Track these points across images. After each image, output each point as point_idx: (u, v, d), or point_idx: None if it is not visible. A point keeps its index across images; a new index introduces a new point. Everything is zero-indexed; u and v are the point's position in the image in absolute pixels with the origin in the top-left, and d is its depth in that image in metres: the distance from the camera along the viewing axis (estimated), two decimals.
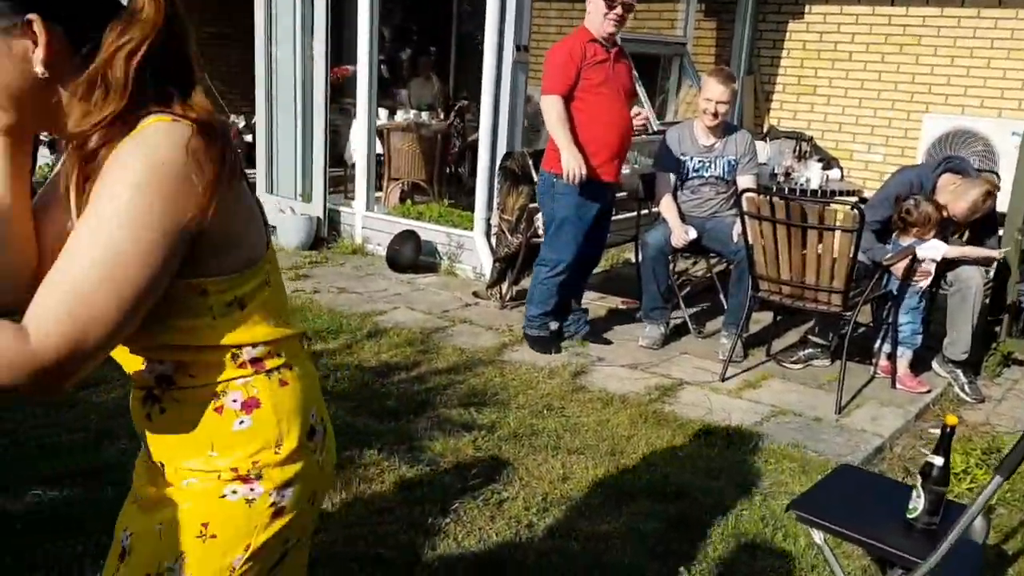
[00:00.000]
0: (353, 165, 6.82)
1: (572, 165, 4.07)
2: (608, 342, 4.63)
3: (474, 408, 3.62)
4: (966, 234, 4.42)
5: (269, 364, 1.16)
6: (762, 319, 4.87)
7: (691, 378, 4.21)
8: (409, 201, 7.00)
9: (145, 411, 1.17)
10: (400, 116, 8.05)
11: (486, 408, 3.64)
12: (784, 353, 4.52)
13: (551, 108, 4.15)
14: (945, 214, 4.12)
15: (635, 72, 6.46)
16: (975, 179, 4.21)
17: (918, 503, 2.11)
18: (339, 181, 7.34)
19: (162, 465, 1.18)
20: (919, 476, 2.12)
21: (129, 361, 1.16)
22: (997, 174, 5.38)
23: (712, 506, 2.95)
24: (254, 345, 1.14)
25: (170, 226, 0.99)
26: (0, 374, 0.91)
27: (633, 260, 5.31)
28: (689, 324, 4.88)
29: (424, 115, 8.03)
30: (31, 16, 1.00)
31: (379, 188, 7.02)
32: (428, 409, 3.58)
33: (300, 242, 6.22)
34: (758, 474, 3.23)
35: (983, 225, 4.33)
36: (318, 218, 6.39)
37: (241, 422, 1.14)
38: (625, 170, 6.67)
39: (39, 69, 1.02)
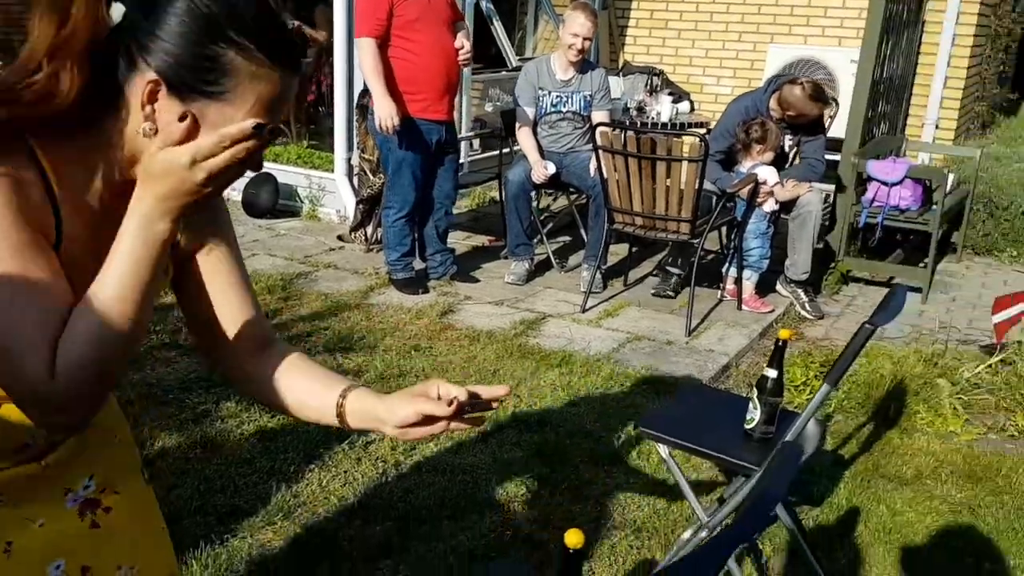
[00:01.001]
0: None
1: (383, 115, 4.04)
2: (475, 280, 4.67)
3: (340, 353, 3.59)
4: (795, 155, 4.62)
5: None
6: (620, 251, 5.02)
7: (554, 311, 4.31)
8: None
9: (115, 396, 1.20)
10: None
11: (352, 352, 3.62)
12: (660, 285, 4.63)
13: (364, 54, 4.07)
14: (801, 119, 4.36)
15: None
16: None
17: (755, 414, 2.25)
18: None
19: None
20: (755, 389, 2.27)
21: None
22: (836, 101, 5.66)
23: (572, 432, 3.07)
24: None
25: None
26: None
27: (498, 198, 5.34)
28: (552, 259, 4.98)
29: None
30: None
31: None
32: None
33: None
34: (614, 398, 3.37)
35: (811, 129, 4.51)
36: None
37: None
38: (488, 107, 6.68)
39: None
